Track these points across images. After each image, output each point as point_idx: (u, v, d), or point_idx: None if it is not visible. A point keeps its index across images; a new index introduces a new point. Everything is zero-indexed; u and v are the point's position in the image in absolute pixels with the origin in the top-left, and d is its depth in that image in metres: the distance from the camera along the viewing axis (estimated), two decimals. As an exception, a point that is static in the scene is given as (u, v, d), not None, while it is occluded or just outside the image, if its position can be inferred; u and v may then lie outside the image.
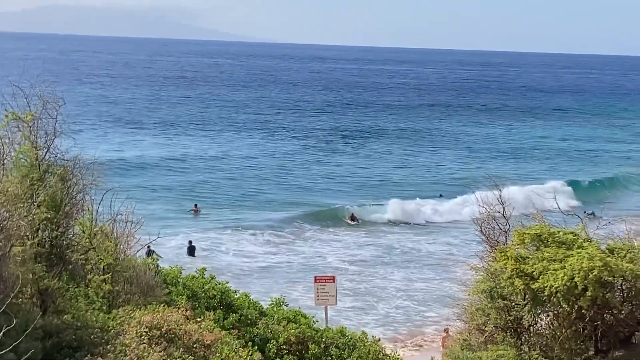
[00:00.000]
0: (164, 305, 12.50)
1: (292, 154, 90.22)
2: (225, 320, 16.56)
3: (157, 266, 17.46)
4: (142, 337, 10.77)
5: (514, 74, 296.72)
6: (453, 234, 56.14)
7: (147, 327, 11.07)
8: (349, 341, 16.23)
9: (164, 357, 10.09)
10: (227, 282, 18.45)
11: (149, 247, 27.01)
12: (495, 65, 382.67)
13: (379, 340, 16.40)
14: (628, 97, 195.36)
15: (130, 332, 10.76)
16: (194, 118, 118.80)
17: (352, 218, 58.15)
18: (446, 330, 29.54)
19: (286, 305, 18.69)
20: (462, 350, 21.04)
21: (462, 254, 46.50)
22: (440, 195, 69.30)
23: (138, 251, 16.79)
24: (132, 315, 11.67)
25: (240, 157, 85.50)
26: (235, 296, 18.21)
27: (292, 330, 16.59)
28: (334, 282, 26.33)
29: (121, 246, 15.13)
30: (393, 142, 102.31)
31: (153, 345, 10.61)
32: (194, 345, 11.45)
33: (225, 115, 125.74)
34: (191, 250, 46.85)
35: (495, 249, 21.10)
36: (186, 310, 12.62)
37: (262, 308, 18.34)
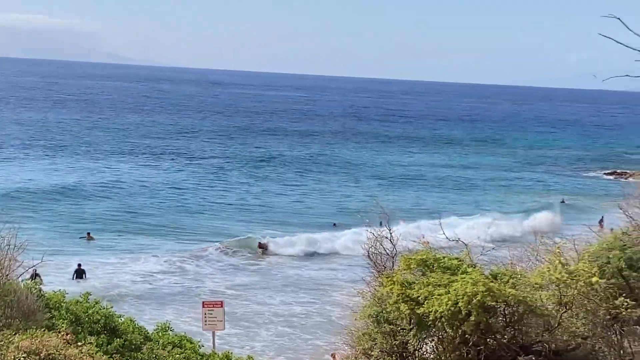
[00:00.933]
0: (44, 330, 12.23)
1: (186, 180, 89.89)
2: (109, 345, 16.32)
3: (40, 290, 17.12)
4: (21, 362, 10.52)
5: (412, 102, 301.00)
6: (341, 261, 56.70)
7: (25, 352, 10.81)
8: (236, 365, 16.20)
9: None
10: (112, 307, 18.19)
11: (35, 270, 26.54)
12: (392, 93, 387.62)
13: (265, 363, 16.39)
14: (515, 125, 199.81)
15: (8, 357, 10.49)
16: (83, 142, 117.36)
17: (261, 246, 57.99)
18: (333, 355, 29.67)
19: (172, 330, 18.52)
20: (349, 375, 21.19)
21: (346, 278, 47.14)
22: (334, 225, 69.75)
23: (21, 275, 16.48)
24: (10, 340, 11.38)
25: (134, 183, 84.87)
26: (120, 320, 17.96)
27: (177, 356, 16.47)
28: (221, 307, 26.23)
29: (2, 270, 14.80)
30: (288, 168, 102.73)
31: (33, 370, 10.37)
32: (76, 369, 11.23)
33: (119, 139, 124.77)
34: (79, 274, 46.32)
35: (382, 274, 21.37)
36: (67, 335, 12.36)
37: (148, 333, 18.13)
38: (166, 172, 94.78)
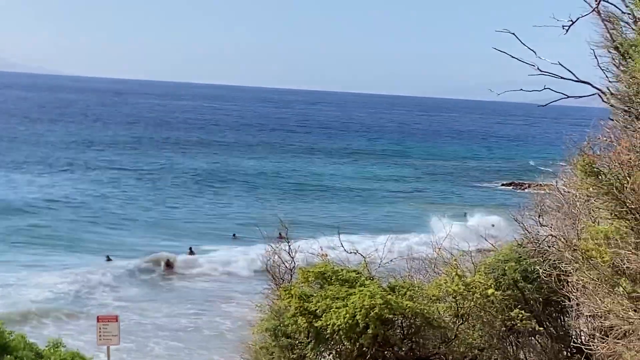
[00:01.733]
0: None
1: (82, 191, 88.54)
2: (-1, 362, 15.87)
3: None
4: None
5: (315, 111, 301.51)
6: (240, 275, 56.57)
7: None
8: (129, 381, 15.90)
9: None
10: (3, 323, 17.70)
11: None
12: (294, 103, 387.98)
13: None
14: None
15: None
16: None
17: (168, 264, 57.15)
18: (232, 369, 29.45)
19: (64, 347, 18.10)
20: (247, 388, 21.01)
21: (240, 290, 47.01)
22: (234, 236, 69.42)
23: None
24: None
25: (28, 195, 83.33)
26: (11, 337, 17.47)
27: (70, 371, 16.09)
28: (116, 321, 25.74)
29: None
30: (187, 179, 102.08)
31: None
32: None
33: (10, 149, 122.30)
34: None
35: (280, 286, 21.25)
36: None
37: (39, 350, 17.68)
38: (60, 184, 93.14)
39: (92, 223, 72.83)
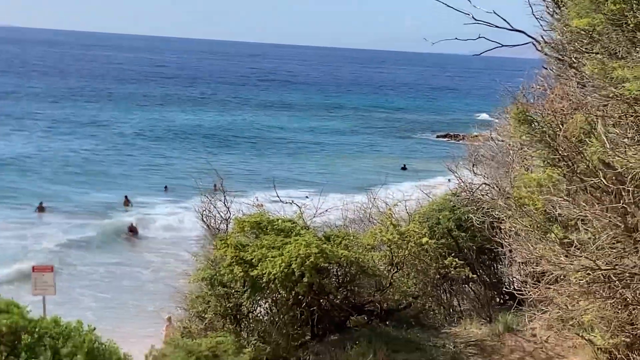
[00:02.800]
0: None
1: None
2: None
3: None
4: None
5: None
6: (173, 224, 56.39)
7: None
8: (64, 330, 15.69)
9: None
10: None
11: None
12: (227, 54, 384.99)
13: (94, 329, 15.95)
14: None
15: None
16: None
17: (131, 229, 56.07)
18: (169, 319, 29.39)
19: (-2, 295, 17.86)
20: (183, 337, 20.97)
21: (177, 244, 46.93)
22: (165, 188, 69.05)
23: None
24: None
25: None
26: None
27: (4, 321, 15.84)
28: (52, 271, 25.51)
29: None
30: (118, 132, 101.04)
31: None
32: None
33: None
34: None
35: (216, 236, 21.24)
36: None
37: (-29, 299, 17.42)
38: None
39: (24, 174, 71.87)
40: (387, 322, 19.88)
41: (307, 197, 29.88)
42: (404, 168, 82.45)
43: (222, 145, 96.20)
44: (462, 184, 21.87)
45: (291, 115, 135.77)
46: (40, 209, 59.04)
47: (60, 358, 15.09)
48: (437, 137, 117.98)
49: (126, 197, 63.50)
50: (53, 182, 69.23)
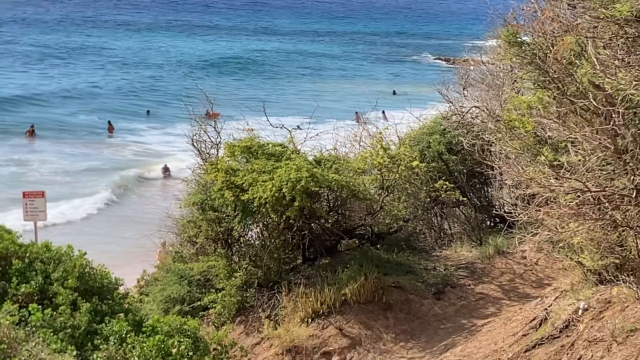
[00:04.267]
0: None
1: None
2: None
3: None
4: None
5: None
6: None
7: None
8: (55, 255, 15.75)
9: None
10: None
11: None
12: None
13: (85, 253, 16.00)
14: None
15: None
16: None
17: (165, 169, 55.60)
18: (163, 244, 29.53)
19: (-14, 222, 17.85)
20: (174, 262, 21.13)
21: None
22: (148, 112, 68.99)
23: None
24: None
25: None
26: None
27: (-5, 247, 15.89)
28: (43, 197, 25.45)
29: None
30: (100, 59, 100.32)
31: None
32: None
33: None
34: None
35: (206, 161, 21.25)
36: None
37: (-41, 225, 17.41)
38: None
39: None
40: (378, 246, 19.99)
41: (298, 127, 29.73)
42: (394, 93, 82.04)
43: (212, 71, 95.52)
44: (452, 107, 21.83)
45: (280, 41, 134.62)
46: (30, 132, 58.94)
47: (51, 282, 15.16)
48: (429, 61, 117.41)
49: (109, 122, 63.33)
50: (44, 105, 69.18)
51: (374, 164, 19.46)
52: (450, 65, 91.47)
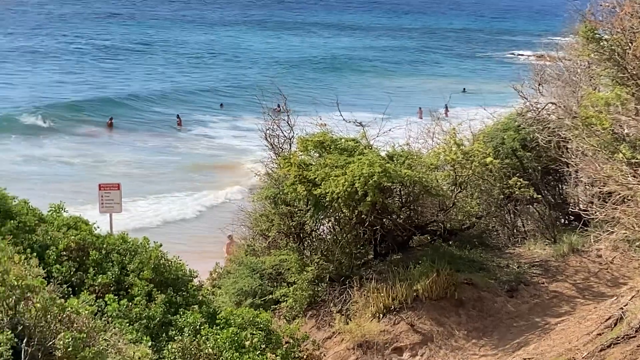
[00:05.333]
0: None
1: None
2: (2, 227, 15.94)
3: None
4: None
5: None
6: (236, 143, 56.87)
7: None
8: (131, 247, 15.98)
9: None
10: (5, 188, 17.72)
11: None
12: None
13: (161, 245, 16.21)
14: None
15: None
16: None
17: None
18: (230, 237, 29.72)
19: (66, 212, 18.16)
20: (247, 255, 21.27)
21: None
22: (221, 105, 69.51)
23: None
24: None
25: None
26: (14, 202, 17.54)
27: (73, 237, 16.16)
28: (119, 189, 25.79)
29: None
30: (174, 53, 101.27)
31: None
32: (-36, 252, 10.94)
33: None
34: None
35: (279, 155, 21.33)
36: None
37: (42, 215, 17.74)
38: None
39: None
40: (450, 242, 19.86)
41: (360, 123, 29.56)
42: (464, 91, 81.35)
43: (285, 66, 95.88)
44: (527, 103, 21.60)
45: (351, 36, 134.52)
46: (109, 124, 60.04)
47: (127, 273, 15.40)
48: (502, 56, 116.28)
49: (178, 116, 63.99)
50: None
51: (447, 160, 19.34)
52: (524, 62, 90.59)
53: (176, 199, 42.60)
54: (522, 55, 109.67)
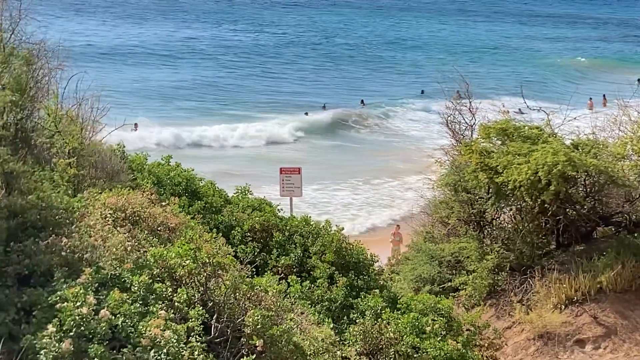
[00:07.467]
0: (128, 189, 12.39)
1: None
2: (191, 207, 16.55)
3: (123, 152, 17.36)
4: (107, 218, 10.69)
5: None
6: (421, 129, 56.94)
7: (111, 209, 10.97)
8: (313, 229, 16.31)
9: (128, 239, 10.04)
10: (193, 170, 18.38)
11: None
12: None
13: (343, 229, 16.48)
14: None
15: (95, 214, 10.67)
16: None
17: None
18: (397, 227, 29.83)
19: (251, 194, 18.67)
20: (425, 242, 21.29)
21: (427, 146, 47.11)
22: (422, 92, 70.29)
23: (104, 137, 16.59)
24: (96, 197, 11.55)
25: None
26: (201, 184, 18.18)
27: (257, 218, 16.62)
28: (299, 173, 26.27)
29: (86, 131, 14.98)
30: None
31: (118, 227, 10.55)
32: (159, 228, 11.40)
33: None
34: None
35: (461, 143, 21.21)
36: (151, 194, 12.52)
37: (227, 196, 18.32)
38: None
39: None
40: (636, 235, 19.28)
41: (559, 106, 28.78)
42: (639, 81, 78.06)
43: (465, 54, 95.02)
44: None
45: (522, 24, 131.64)
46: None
47: (310, 256, 15.75)
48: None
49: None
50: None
51: (635, 150, 18.78)
52: None
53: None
54: None
